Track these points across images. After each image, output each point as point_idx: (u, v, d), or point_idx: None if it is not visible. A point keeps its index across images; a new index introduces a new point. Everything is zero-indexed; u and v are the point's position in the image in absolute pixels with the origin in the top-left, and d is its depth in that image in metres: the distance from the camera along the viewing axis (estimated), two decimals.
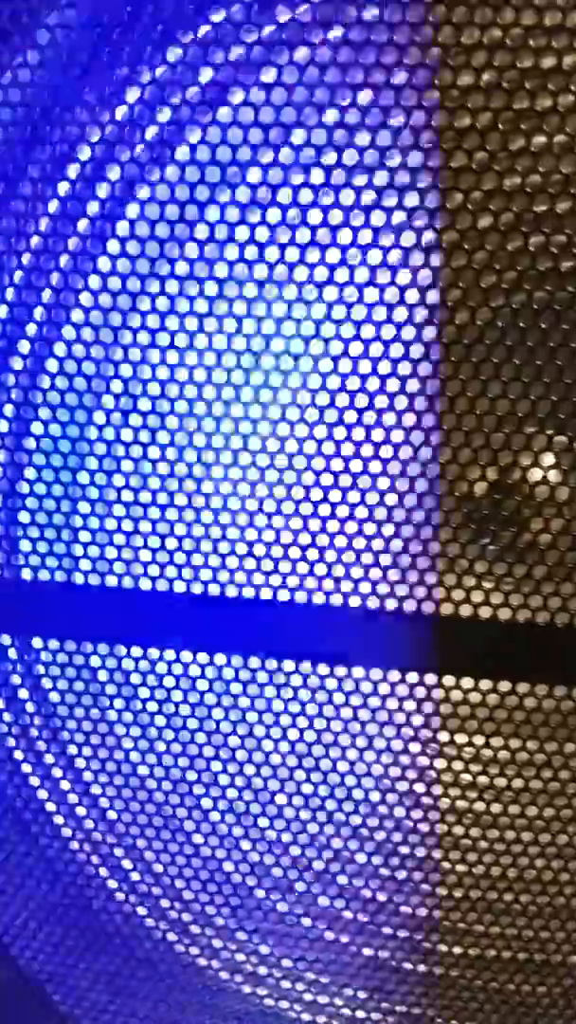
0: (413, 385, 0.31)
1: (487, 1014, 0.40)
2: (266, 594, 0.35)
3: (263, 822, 0.38)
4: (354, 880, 0.38)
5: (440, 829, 0.37)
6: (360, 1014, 0.41)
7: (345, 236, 0.31)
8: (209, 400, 0.33)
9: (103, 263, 0.33)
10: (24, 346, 0.34)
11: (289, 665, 0.36)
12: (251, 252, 0.31)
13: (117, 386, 0.34)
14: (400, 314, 0.31)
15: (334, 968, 0.41)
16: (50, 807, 0.40)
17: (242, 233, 0.31)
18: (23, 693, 0.39)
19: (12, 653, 0.39)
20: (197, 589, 0.35)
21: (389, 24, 0.28)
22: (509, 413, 0.31)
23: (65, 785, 0.40)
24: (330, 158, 0.30)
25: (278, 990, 0.42)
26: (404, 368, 0.31)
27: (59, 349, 0.34)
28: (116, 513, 0.35)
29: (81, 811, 0.40)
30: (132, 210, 0.33)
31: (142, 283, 0.33)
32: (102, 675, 0.37)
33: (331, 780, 0.37)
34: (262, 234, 0.31)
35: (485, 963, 0.39)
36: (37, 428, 0.35)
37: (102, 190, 0.33)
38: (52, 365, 0.34)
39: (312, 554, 0.34)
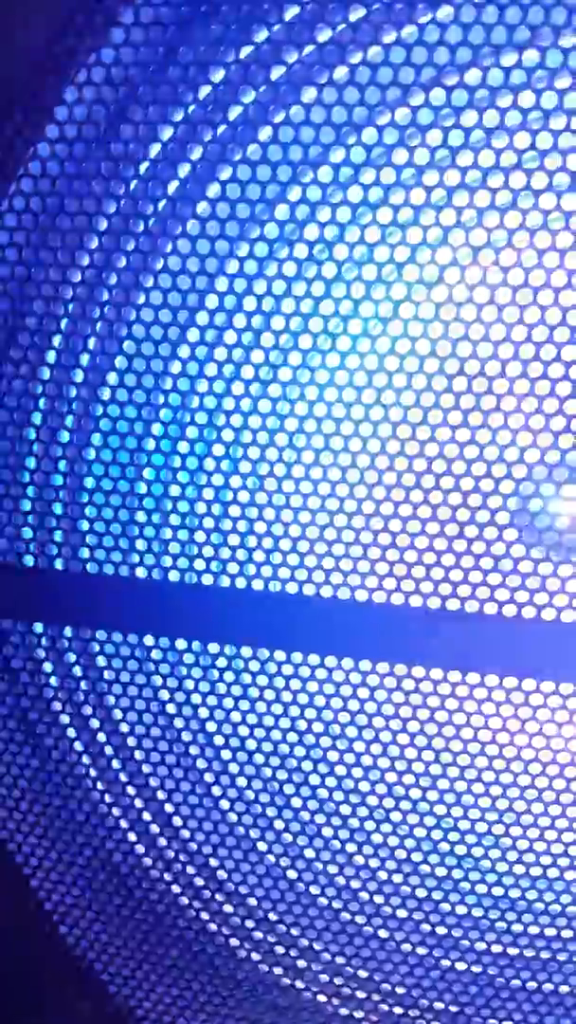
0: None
1: (525, 1012, 0.40)
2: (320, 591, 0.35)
3: (320, 819, 0.38)
4: (395, 876, 0.38)
5: (481, 827, 0.37)
6: (398, 1010, 0.41)
7: None
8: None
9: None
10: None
11: (331, 661, 0.36)
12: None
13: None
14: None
15: (374, 963, 0.41)
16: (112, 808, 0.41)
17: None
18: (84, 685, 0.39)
19: (72, 646, 0.39)
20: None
21: None
22: None
23: (123, 777, 0.40)
24: None
25: (317, 983, 0.42)
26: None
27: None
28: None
29: (147, 815, 0.40)
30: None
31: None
32: (163, 669, 0.38)
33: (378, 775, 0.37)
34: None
35: (525, 962, 0.39)
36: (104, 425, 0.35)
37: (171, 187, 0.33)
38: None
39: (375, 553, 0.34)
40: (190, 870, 0.41)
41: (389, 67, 0.30)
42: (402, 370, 0.32)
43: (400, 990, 0.41)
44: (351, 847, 0.38)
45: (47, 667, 0.39)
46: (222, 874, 0.41)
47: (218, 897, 0.41)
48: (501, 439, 0.32)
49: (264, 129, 0.32)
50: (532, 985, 0.40)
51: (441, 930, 0.39)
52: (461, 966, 0.40)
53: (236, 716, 0.37)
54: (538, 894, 0.38)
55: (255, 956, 0.42)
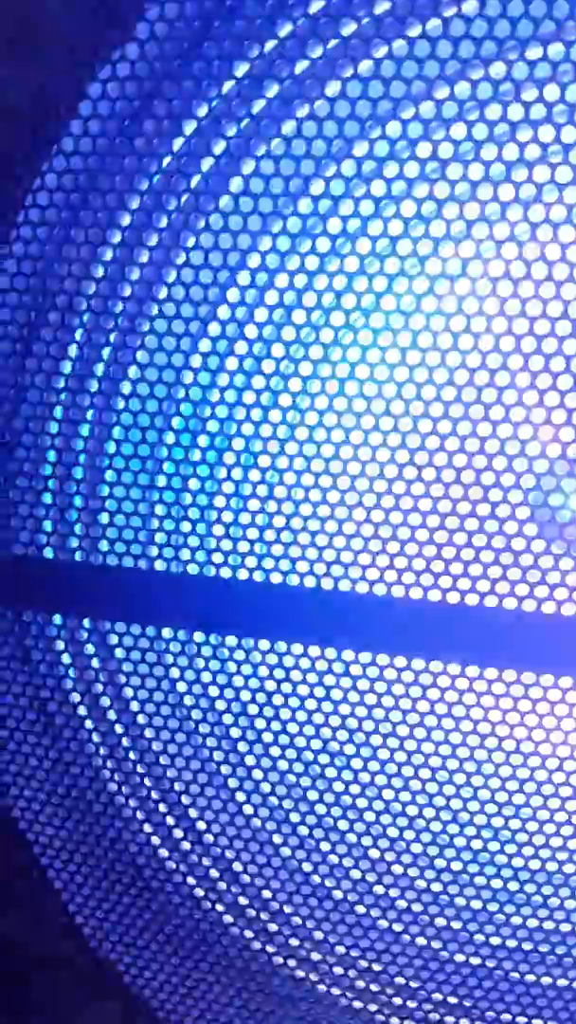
0: None
1: (538, 1009, 0.40)
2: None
3: (324, 810, 0.38)
4: (409, 870, 0.39)
5: (495, 823, 0.37)
6: (411, 1003, 0.42)
7: None
8: None
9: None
10: None
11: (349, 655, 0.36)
12: None
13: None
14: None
15: (387, 957, 0.41)
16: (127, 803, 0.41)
17: None
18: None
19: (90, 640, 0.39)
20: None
21: None
22: None
23: (143, 780, 0.40)
24: None
25: (331, 976, 0.42)
26: None
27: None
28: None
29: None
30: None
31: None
32: (179, 663, 0.38)
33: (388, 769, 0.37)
34: None
35: (537, 957, 0.39)
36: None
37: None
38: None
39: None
40: (205, 862, 0.41)
41: (414, 61, 0.30)
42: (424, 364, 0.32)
43: (413, 984, 0.41)
44: (366, 840, 0.38)
45: (66, 658, 0.40)
46: (237, 866, 0.41)
47: (233, 889, 0.41)
48: (522, 434, 0.32)
49: (288, 123, 0.32)
50: (547, 980, 0.40)
51: (455, 924, 0.39)
52: (475, 960, 0.40)
53: (252, 708, 0.38)
54: (552, 889, 0.38)
55: (270, 948, 0.42)
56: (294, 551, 0.35)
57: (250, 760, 0.38)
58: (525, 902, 0.38)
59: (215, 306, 0.34)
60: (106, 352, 0.36)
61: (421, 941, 0.40)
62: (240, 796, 0.39)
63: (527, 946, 0.39)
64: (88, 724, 0.40)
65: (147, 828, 0.41)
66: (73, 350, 0.36)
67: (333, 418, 0.33)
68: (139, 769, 0.40)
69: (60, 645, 0.39)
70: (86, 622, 0.39)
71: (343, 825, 0.38)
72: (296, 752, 0.38)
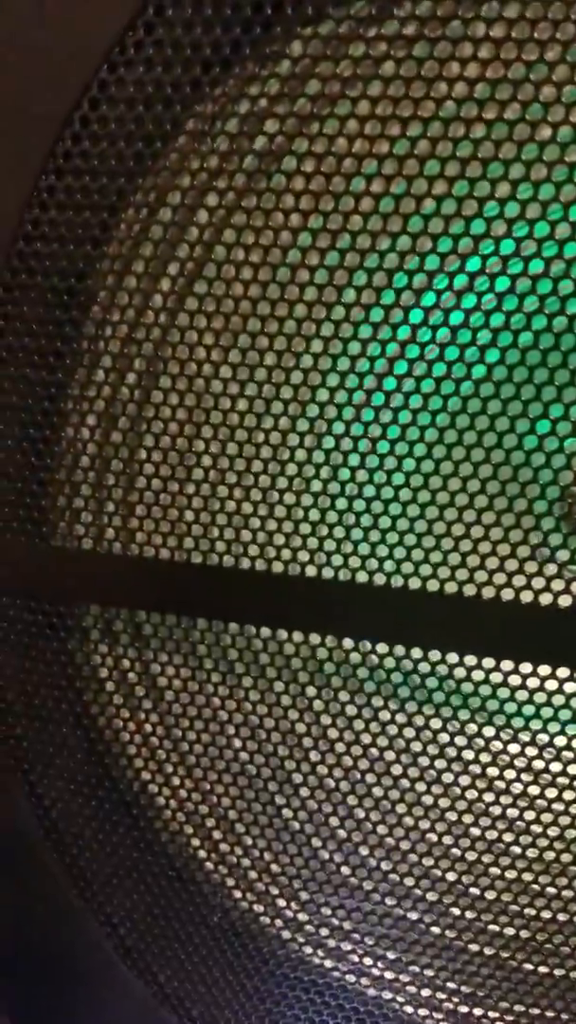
0: None
1: (551, 998, 0.40)
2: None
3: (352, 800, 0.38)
4: (426, 860, 0.39)
5: (510, 814, 0.37)
6: (426, 992, 0.42)
7: None
8: None
9: None
10: None
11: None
12: None
13: None
14: None
15: (404, 945, 0.41)
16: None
17: None
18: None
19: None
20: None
21: None
22: None
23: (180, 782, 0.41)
24: None
25: (353, 965, 0.42)
26: None
27: None
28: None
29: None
30: None
31: None
32: (210, 654, 0.38)
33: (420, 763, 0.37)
34: None
35: (550, 949, 0.39)
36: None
37: None
38: None
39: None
40: (238, 851, 0.42)
41: None
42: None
43: (429, 972, 0.41)
44: (398, 834, 0.38)
45: (103, 648, 0.40)
46: (268, 856, 0.41)
47: (263, 878, 0.42)
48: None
49: None
50: (559, 972, 0.40)
51: (470, 914, 0.39)
52: (491, 951, 0.40)
53: (286, 700, 0.38)
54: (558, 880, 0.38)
55: (300, 938, 0.43)
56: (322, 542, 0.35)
57: (282, 751, 0.39)
58: (541, 892, 0.38)
59: None
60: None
61: (450, 934, 0.40)
62: (272, 786, 0.40)
63: (541, 937, 0.39)
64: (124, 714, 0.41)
65: (181, 817, 0.42)
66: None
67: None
68: (173, 758, 0.40)
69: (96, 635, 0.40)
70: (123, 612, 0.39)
71: (375, 817, 0.39)
72: (328, 744, 0.38)
